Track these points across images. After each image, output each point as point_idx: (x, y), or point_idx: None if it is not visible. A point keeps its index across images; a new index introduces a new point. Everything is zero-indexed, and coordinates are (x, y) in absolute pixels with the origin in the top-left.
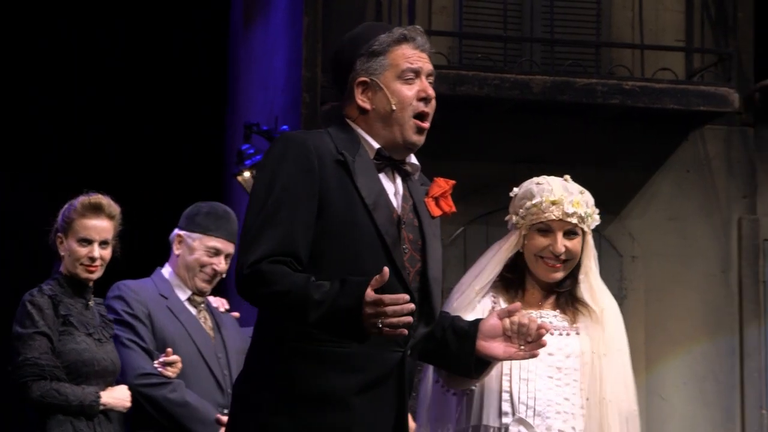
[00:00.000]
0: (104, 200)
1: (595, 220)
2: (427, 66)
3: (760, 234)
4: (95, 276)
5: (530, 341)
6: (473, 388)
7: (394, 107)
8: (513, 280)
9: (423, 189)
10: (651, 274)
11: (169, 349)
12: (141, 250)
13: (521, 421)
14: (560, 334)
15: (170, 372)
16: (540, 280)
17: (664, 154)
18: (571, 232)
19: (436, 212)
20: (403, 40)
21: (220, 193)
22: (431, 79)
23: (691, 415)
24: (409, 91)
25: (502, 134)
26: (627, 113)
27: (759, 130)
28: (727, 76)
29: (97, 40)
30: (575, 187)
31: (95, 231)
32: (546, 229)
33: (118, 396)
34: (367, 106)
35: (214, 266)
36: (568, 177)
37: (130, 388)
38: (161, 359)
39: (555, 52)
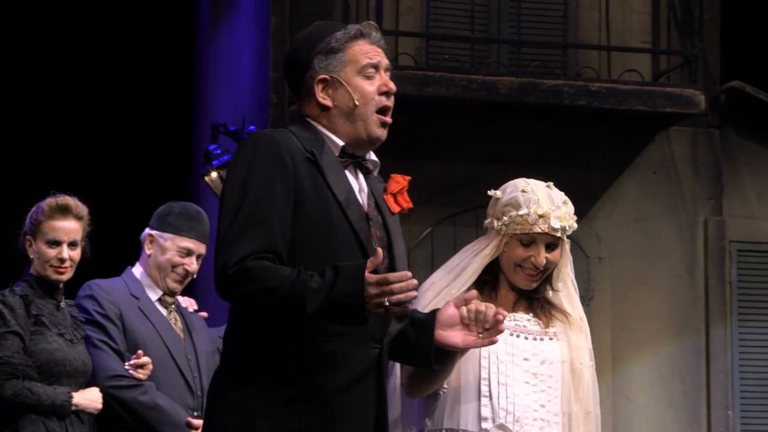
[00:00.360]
0: (71, 201)
1: (574, 227)
2: (385, 60)
3: (726, 235)
4: (65, 277)
5: (488, 328)
6: (441, 393)
7: (357, 103)
8: (486, 282)
9: (381, 186)
10: (617, 275)
11: (140, 351)
12: (108, 250)
13: (502, 427)
14: (534, 339)
15: (141, 374)
16: (514, 285)
17: (631, 156)
18: (552, 244)
19: (395, 209)
20: (360, 36)
21: (188, 194)
22: (389, 73)
23: (657, 415)
24: (370, 86)
25: (469, 135)
26: (594, 114)
27: (725, 131)
28: (693, 77)
29: (70, 41)
30: (559, 198)
31: (63, 232)
32: (529, 241)
33: (89, 397)
34: (329, 103)
35: (186, 267)
36: (551, 184)
37: (100, 390)
38: (132, 361)
39: (522, 54)
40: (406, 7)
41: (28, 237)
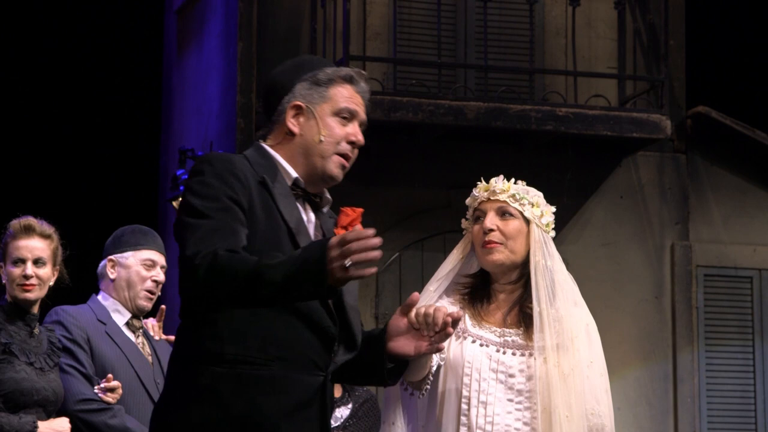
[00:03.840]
0: (35, 222)
1: (545, 213)
2: (363, 114)
3: (692, 260)
4: (32, 296)
5: (438, 331)
6: (426, 387)
7: (322, 138)
8: (479, 296)
9: (331, 221)
10: (585, 300)
11: (110, 375)
12: (75, 274)
13: None
14: (522, 355)
15: (111, 398)
16: (501, 295)
17: (598, 181)
18: (503, 212)
19: None
20: (349, 80)
21: (155, 219)
22: (363, 128)
23: None
24: (340, 130)
25: (436, 160)
26: (560, 139)
27: (691, 156)
28: (659, 103)
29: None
30: (518, 185)
31: (27, 250)
32: (480, 215)
33: (56, 426)
34: (296, 130)
35: (155, 277)
36: (520, 182)
37: (70, 414)
38: (102, 385)
39: (489, 79)
40: (373, 32)
41: (0, 263)
